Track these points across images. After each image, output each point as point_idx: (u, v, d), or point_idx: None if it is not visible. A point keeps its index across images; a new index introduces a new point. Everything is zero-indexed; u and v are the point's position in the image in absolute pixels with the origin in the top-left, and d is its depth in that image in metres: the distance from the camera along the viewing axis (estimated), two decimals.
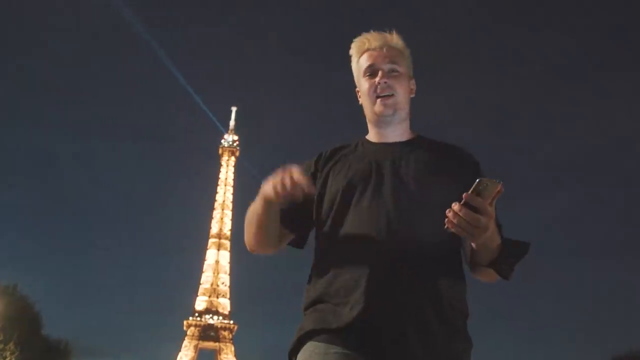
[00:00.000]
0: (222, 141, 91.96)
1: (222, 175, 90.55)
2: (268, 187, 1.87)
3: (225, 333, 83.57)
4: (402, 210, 1.87)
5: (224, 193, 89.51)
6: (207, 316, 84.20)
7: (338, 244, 1.90)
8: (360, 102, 2.12)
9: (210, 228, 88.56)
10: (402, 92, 2.04)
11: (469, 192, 1.65)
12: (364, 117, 2.12)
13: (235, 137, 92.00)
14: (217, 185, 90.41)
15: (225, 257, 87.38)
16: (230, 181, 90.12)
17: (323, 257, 1.94)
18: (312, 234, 2.07)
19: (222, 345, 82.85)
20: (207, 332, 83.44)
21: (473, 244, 1.81)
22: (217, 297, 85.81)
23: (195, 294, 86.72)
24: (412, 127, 2.12)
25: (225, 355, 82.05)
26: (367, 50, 2.06)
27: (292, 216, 2.03)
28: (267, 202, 1.92)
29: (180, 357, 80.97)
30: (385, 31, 2.07)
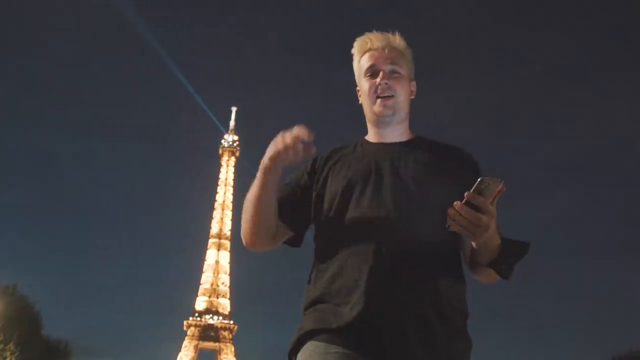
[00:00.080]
0: (222, 141, 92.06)
1: (222, 175, 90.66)
2: (272, 145, 1.89)
3: (225, 333, 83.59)
4: (401, 210, 1.87)
5: (224, 193, 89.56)
6: (207, 316, 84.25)
7: (338, 244, 1.91)
8: (360, 102, 2.12)
9: (210, 228, 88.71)
10: (403, 94, 2.05)
11: (471, 190, 1.65)
12: (364, 117, 2.12)
13: (235, 137, 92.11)
14: (217, 185, 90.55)
15: (225, 257, 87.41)
16: (230, 181, 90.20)
17: (323, 257, 1.94)
18: (310, 234, 2.07)
19: (222, 345, 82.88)
20: (207, 332, 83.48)
21: (473, 243, 1.81)
22: (217, 297, 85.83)
23: (195, 294, 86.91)
24: (412, 127, 2.12)
25: (225, 356, 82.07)
26: (369, 50, 2.06)
27: (291, 212, 2.03)
28: (269, 174, 1.93)
29: (180, 357, 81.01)
30: (388, 32, 2.07)
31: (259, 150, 1.97)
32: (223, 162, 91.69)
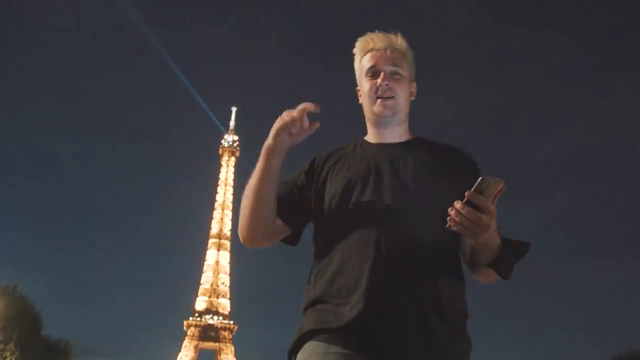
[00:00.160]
0: (222, 141, 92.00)
1: (222, 176, 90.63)
2: (278, 120, 1.91)
3: (225, 333, 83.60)
4: (401, 210, 1.87)
5: (224, 193, 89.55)
6: (207, 316, 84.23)
7: (338, 244, 1.91)
8: (360, 102, 2.13)
9: (210, 228, 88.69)
10: (403, 95, 2.05)
11: (472, 190, 1.66)
12: (364, 117, 2.12)
13: (235, 137, 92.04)
14: (217, 185, 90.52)
15: (225, 257, 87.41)
16: (230, 181, 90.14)
17: (323, 257, 1.94)
18: (307, 233, 2.07)
19: (222, 345, 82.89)
20: (207, 333, 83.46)
21: (474, 243, 1.81)
22: (217, 298, 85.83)
23: (195, 294, 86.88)
24: (412, 127, 2.13)
25: (225, 356, 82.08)
26: (371, 50, 2.06)
27: (289, 210, 2.03)
28: (272, 155, 1.93)
29: (180, 358, 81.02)
30: (390, 32, 2.07)
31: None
32: (223, 162, 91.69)
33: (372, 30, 2.09)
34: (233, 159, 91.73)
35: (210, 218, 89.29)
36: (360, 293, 1.80)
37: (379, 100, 2.02)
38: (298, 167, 2.11)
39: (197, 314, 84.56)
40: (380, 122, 2.05)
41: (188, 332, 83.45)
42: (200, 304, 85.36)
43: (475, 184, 1.66)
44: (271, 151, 1.93)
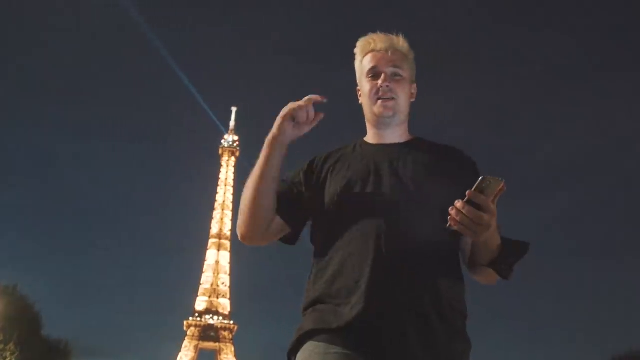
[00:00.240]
0: (222, 141, 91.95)
1: (222, 176, 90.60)
2: (285, 108, 1.93)
3: (226, 333, 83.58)
4: (401, 210, 1.87)
5: (224, 193, 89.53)
6: (207, 316, 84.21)
7: (337, 245, 1.91)
8: (360, 102, 2.13)
9: (211, 228, 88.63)
10: (403, 97, 2.05)
11: (472, 189, 1.66)
12: (363, 117, 2.12)
13: (236, 137, 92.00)
14: (217, 185, 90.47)
15: (225, 257, 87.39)
16: (230, 181, 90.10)
17: (322, 257, 1.94)
18: (307, 234, 2.07)
19: (222, 345, 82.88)
20: (207, 333, 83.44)
21: (473, 242, 1.82)
22: (217, 298, 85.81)
23: (195, 294, 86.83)
24: (412, 127, 2.13)
25: (226, 356, 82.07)
26: (372, 51, 2.06)
27: (288, 208, 2.02)
28: (275, 145, 1.93)
29: (180, 358, 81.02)
30: (391, 33, 2.07)
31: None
32: (223, 162, 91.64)
33: (372, 31, 2.09)
34: (233, 159, 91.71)
35: (210, 218, 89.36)
36: (360, 293, 1.80)
37: (379, 101, 2.02)
38: (297, 167, 2.11)
39: (197, 314, 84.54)
40: (381, 122, 2.05)
41: (188, 332, 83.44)
42: (200, 304, 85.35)
43: (476, 183, 1.66)
44: (275, 141, 1.94)
